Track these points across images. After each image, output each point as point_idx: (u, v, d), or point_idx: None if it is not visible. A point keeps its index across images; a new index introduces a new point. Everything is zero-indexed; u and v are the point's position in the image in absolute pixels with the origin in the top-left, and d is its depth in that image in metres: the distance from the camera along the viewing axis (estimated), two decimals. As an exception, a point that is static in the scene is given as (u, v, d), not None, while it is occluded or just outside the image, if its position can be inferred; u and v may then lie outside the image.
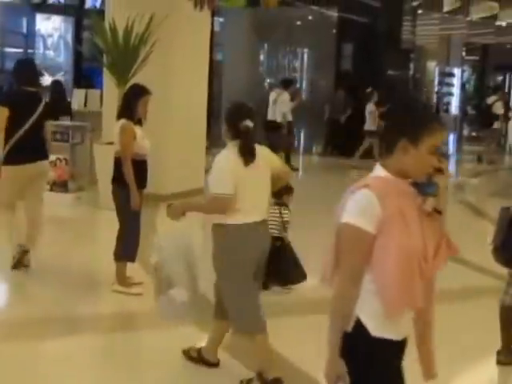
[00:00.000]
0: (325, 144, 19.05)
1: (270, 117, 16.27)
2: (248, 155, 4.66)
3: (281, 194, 6.88)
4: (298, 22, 21.13)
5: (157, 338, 5.91)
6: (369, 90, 16.47)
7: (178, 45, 11.04)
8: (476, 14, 22.07)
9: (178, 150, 11.27)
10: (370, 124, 16.44)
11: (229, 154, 4.67)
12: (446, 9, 20.96)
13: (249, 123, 4.68)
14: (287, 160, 15.92)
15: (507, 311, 5.36)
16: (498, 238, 5.25)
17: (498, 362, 5.46)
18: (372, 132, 16.03)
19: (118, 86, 9.82)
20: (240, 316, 4.81)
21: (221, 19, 19.83)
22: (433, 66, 25.51)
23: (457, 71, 28.00)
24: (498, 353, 5.47)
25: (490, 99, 19.22)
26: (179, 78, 11.16)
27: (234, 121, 4.71)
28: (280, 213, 6.96)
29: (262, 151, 4.79)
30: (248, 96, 19.96)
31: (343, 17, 18.92)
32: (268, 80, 21.87)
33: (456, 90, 26.81)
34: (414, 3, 19.16)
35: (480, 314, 6.69)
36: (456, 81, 27.75)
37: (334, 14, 19.64)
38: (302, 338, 5.94)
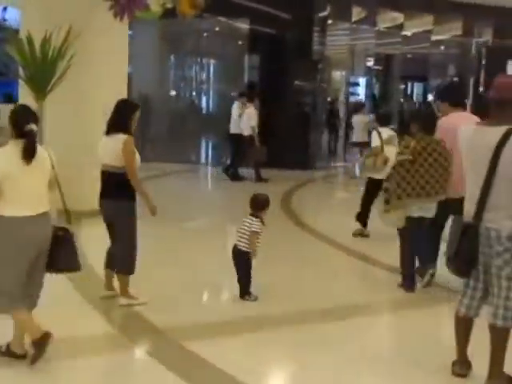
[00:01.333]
0: (231, 157, 18.87)
1: (233, 130, 16.24)
2: (29, 155, 5.18)
3: (261, 207, 7.18)
4: (208, 34, 21.06)
5: None
6: (360, 101, 16.49)
7: (95, 58, 10.69)
8: (383, 24, 22.44)
9: (97, 163, 10.89)
10: (359, 136, 16.77)
11: (4, 152, 5.23)
12: (354, 19, 21.21)
13: (33, 127, 5.20)
14: (257, 172, 16.02)
15: (463, 322, 5.32)
16: (451, 248, 5.22)
17: (453, 373, 5.42)
18: (363, 143, 16.05)
19: (37, 100, 9.47)
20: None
21: (129, 31, 19.46)
22: (340, 76, 25.78)
23: (362, 80, 28.51)
24: (454, 363, 5.43)
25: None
26: (97, 91, 10.82)
27: (20, 123, 5.22)
28: (250, 224, 7.09)
29: (43, 154, 5.33)
30: (156, 107, 19.86)
31: (253, 28, 18.96)
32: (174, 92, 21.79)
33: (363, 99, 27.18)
34: (323, 14, 19.25)
35: (431, 323, 6.74)
36: (361, 90, 28.23)
37: (243, 25, 19.67)
38: (243, 355, 5.86)
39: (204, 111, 21.92)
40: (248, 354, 5.85)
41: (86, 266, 7.61)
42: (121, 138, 6.59)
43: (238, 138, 16.19)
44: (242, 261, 7.17)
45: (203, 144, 21.86)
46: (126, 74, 11.74)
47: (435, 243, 7.78)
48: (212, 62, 22.18)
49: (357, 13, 21.35)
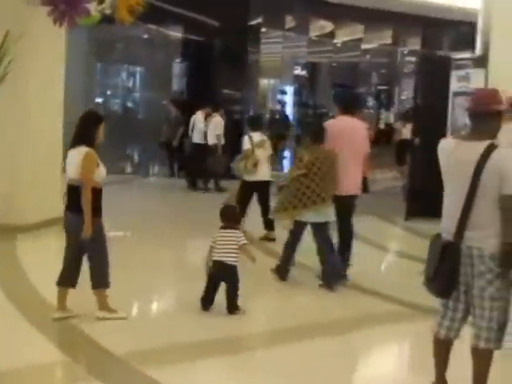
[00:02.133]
0: (170, 165, 18.58)
1: (198, 140, 15.98)
2: None
3: (238, 220, 7.29)
4: (138, 41, 20.75)
5: None
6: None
7: (33, 64, 10.32)
8: (314, 33, 22.44)
9: (34, 175, 10.50)
10: None
11: None
12: (287, 27, 21.16)
13: None
14: (216, 183, 15.89)
15: (443, 344, 5.12)
16: (430, 268, 5.01)
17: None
18: None
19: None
20: None
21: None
22: (269, 84, 25.71)
23: (289, 89, 28.43)
24: (433, 386, 5.23)
25: None
26: (35, 99, 10.53)
27: None
28: (236, 237, 7.03)
29: None
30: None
31: (184, 36, 18.78)
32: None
33: (290, 108, 27.15)
34: (255, 22, 19.11)
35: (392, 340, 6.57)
36: (288, 98, 28.14)
37: (173, 33, 19.46)
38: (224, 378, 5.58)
39: (132, 119, 21.53)
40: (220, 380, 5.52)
41: (27, 285, 7.22)
42: (82, 150, 6.51)
43: (202, 148, 16.02)
44: (231, 275, 7.01)
45: (132, 153, 21.42)
46: (63, 79, 11.34)
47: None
48: (141, 69, 21.86)
49: (289, 21, 21.27)
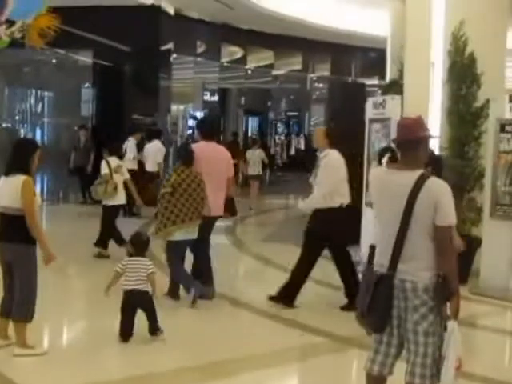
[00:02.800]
0: (82, 192, 18.10)
1: (131, 166, 15.21)
2: None
3: (146, 248, 7.16)
4: (46, 65, 20.34)
5: None
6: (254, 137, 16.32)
7: None
8: (226, 58, 22.41)
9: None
10: (255, 169, 18.30)
11: None
12: (198, 53, 21.06)
13: None
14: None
15: (375, 381, 4.97)
16: (363, 302, 4.86)
17: None
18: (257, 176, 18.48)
19: None
20: None
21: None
22: (179, 110, 25.52)
23: (199, 114, 28.31)
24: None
25: None
26: None
27: None
28: (145, 265, 6.93)
29: None
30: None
31: (94, 61, 18.48)
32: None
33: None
34: (165, 47, 18.92)
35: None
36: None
37: (83, 58, 19.13)
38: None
39: (41, 144, 20.94)
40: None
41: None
42: (20, 178, 6.33)
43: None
44: (146, 300, 6.89)
45: (41, 179, 20.82)
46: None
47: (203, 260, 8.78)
48: (49, 94, 21.38)
49: (201, 47, 21.18)
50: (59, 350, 6.85)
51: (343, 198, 8.32)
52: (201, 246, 8.66)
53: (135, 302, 6.88)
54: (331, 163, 8.38)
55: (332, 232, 8.25)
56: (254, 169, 18.40)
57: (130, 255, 7.12)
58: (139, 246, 7.13)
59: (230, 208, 9.12)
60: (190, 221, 8.23)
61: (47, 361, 6.37)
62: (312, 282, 8.64)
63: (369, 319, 4.83)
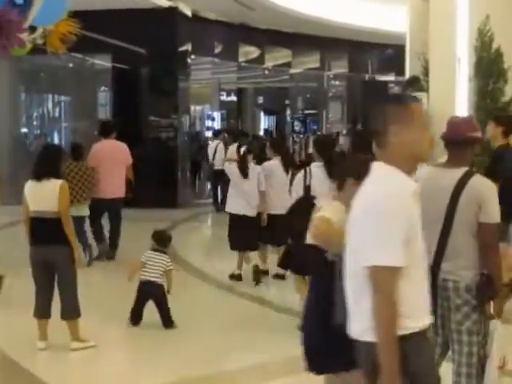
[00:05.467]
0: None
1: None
2: None
3: (168, 244, 7.71)
4: (64, 70, 20.40)
5: None
6: None
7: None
8: (243, 58, 22.38)
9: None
10: None
11: None
12: (216, 53, 21.05)
13: None
14: None
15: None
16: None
17: None
18: None
19: None
20: None
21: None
22: (198, 111, 25.57)
23: (216, 115, 28.27)
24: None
25: (213, 143, 19.10)
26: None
27: None
28: (165, 261, 7.48)
29: None
30: (8, 146, 18.85)
31: (111, 65, 18.47)
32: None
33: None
34: (183, 49, 18.86)
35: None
36: (216, 124, 27.95)
37: (99, 61, 19.13)
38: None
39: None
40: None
41: None
42: (56, 182, 6.56)
43: None
44: (159, 293, 7.40)
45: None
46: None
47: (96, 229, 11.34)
48: (67, 98, 21.42)
49: (218, 48, 21.13)
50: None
51: None
52: (113, 218, 11.40)
53: (149, 293, 7.36)
54: None
55: None
56: None
57: (155, 250, 7.60)
58: (162, 241, 7.64)
59: (129, 188, 11.42)
60: (79, 202, 10.30)
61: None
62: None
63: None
